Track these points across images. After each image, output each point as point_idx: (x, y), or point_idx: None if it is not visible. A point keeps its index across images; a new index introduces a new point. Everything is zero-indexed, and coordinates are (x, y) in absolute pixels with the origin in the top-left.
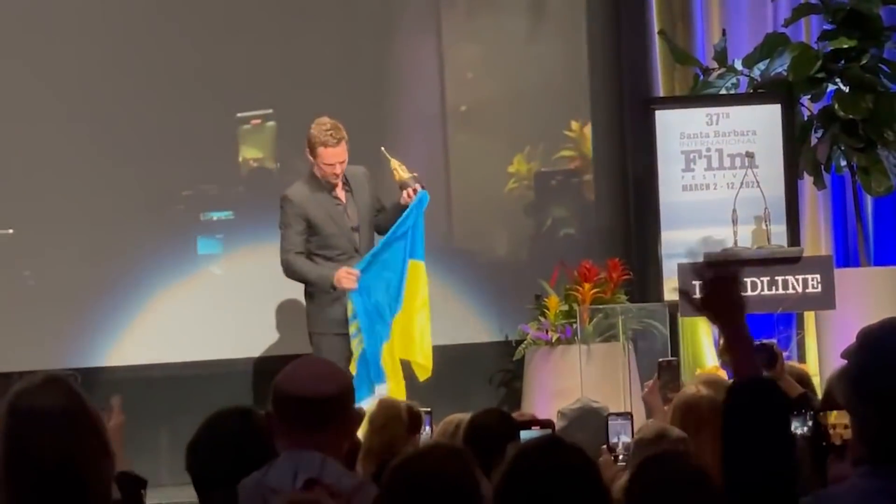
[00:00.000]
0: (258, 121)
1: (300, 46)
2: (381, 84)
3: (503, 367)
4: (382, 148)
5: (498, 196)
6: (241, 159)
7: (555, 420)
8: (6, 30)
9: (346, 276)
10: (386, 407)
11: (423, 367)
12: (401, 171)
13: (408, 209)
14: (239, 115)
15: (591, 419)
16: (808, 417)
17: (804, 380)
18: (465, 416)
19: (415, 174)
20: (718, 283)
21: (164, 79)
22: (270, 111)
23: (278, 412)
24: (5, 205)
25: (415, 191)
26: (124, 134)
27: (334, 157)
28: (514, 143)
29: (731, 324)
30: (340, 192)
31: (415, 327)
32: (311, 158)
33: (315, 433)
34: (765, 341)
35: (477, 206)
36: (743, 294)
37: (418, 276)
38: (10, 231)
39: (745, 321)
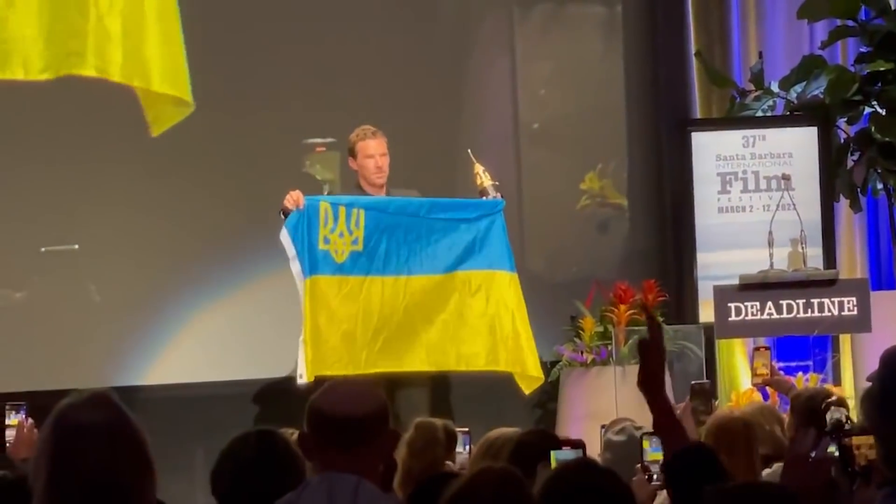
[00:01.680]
0: (322, 148)
1: (372, 67)
2: (455, 102)
3: (538, 388)
4: (469, 150)
5: (571, 213)
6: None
7: (599, 447)
8: None
9: (288, 197)
10: (423, 430)
11: (536, 378)
12: (483, 177)
13: (484, 206)
14: (304, 141)
15: (635, 450)
16: (838, 441)
17: (839, 400)
18: (505, 431)
19: (496, 183)
20: (644, 353)
21: (231, 102)
22: (334, 139)
23: (314, 432)
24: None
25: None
26: (190, 157)
27: (375, 148)
28: (587, 159)
29: (654, 396)
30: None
31: (523, 339)
32: (353, 165)
33: (351, 454)
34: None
35: (549, 225)
36: (663, 363)
37: (514, 288)
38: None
39: (664, 394)
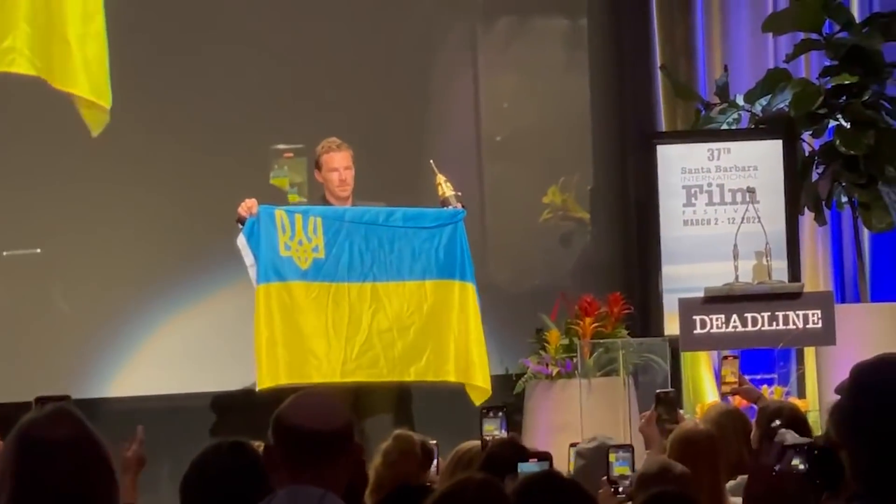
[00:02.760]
0: (290, 154)
1: (334, 76)
2: (418, 113)
3: (503, 400)
4: (431, 161)
5: (534, 226)
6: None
7: (569, 458)
8: None
9: (242, 205)
10: (400, 442)
11: (484, 389)
12: (445, 187)
13: (443, 216)
14: (272, 146)
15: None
16: (806, 454)
17: (798, 416)
18: (475, 444)
19: (458, 193)
20: None
21: (195, 112)
22: (302, 146)
23: (280, 446)
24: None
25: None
26: (155, 162)
27: (339, 161)
28: (550, 173)
29: None
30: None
31: (473, 351)
32: (318, 177)
33: (317, 467)
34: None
35: (511, 237)
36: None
37: (469, 299)
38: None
39: None
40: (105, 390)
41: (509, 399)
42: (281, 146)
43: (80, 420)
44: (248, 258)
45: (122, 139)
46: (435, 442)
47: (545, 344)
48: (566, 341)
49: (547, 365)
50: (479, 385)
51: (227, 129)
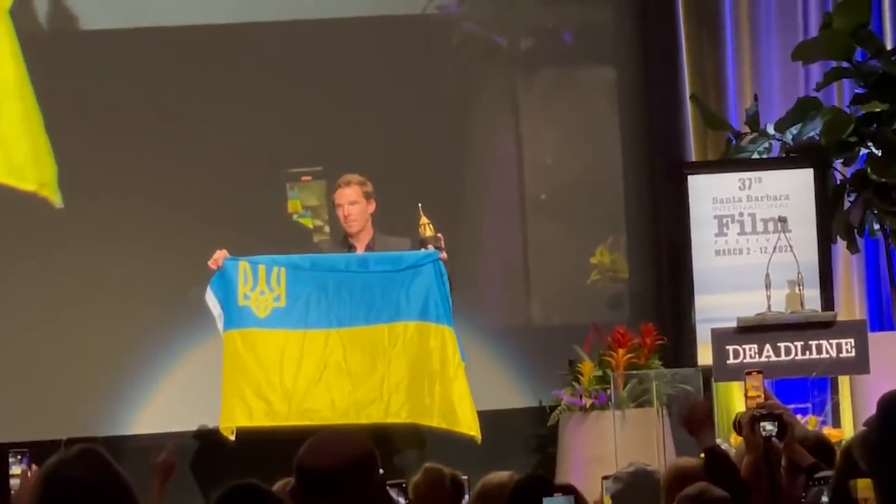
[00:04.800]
0: (308, 178)
1: (371, 131)
2: (458, 167)
3: (537, 432)
4: (420, 204)
5: (582, 286)
6: (295, 231)
7: (605, 484)
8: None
9: (212, 258)
10: (431, 474)
11: (471, 436)
12: (427, 229)
13: (415, 258)
14: (288, 170)
15: (646, 481)
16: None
17: (825, 445)
18: (501, 475)
19: (439, 235)
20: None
21: (223, 146)
22: (320, 168)
23: (301, 487)
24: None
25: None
26: (178, 194)
27: (344, 197)
28: (597, 232)
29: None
30: (359, 249)
31: (455, 396)
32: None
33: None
34: (774, 409)
35: (558, 295)
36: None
37: (448, 342)
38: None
39: None
40: (130, 427)
41: (542, 431)
42: (298, 170)
43: (106, 461)
44: (216, 309)
45: (146, 171)
46: (466, 477)
47: (578, 376)
48: (599, 373)
49: (580, 397)
50: (465, 432)
51: (255, 164)
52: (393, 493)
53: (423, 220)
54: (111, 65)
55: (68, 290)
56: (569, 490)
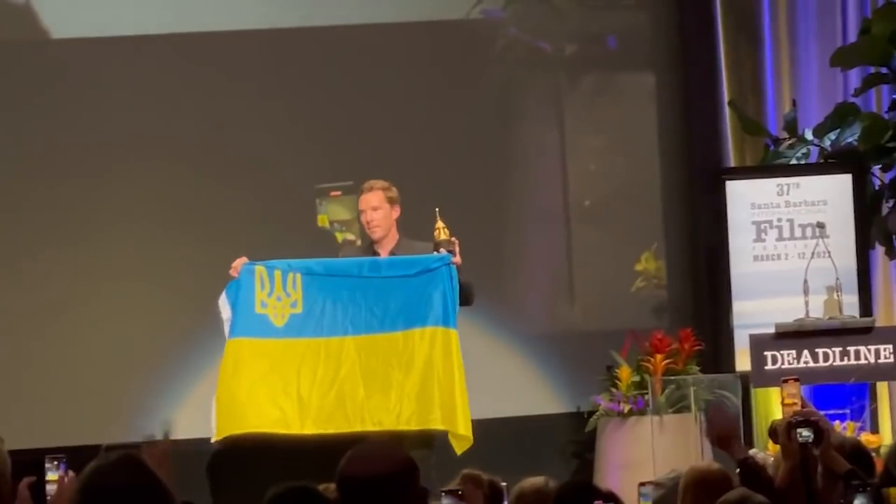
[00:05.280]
0: (337, 193)
1: (418, 138)
2: (501, 173)
3: (575, 438)
4: (437, 209)
5: (625, 294)
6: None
7: (641, 490)
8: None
9: (232, 266)
10: (468, 480)
11: (466, 438)
12: (442, 233)
13: (427, 261)
14: (318, 186)
15: None
16: (868, 492)
17: (862, 451)
18: (536, 481)
19: (453, 239)
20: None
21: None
22: (350, 183)
23: (344, 497)
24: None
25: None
26: (205, 208)
27: (365, 202)
28: (638, 239)
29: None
30: (383, 255)
31: (457, 398)
32: None
33: None
34: (810, 416)
35: (600, 301)
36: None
37: (453, 345)
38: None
39: None
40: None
41: (580, 437)
42: (327, 185)
43: (144, 467)
44: (226, 312)
45: (173, 185)
46: (504, 484)
47: (616, 381)
48: (637, 378)
49: (618, 402)
50: (462, 433)
51: (285, 174)
52: (448, 501)
53: (439, 223)
54: (140, 72)
55: (109, 297)
56: (610, 497)
